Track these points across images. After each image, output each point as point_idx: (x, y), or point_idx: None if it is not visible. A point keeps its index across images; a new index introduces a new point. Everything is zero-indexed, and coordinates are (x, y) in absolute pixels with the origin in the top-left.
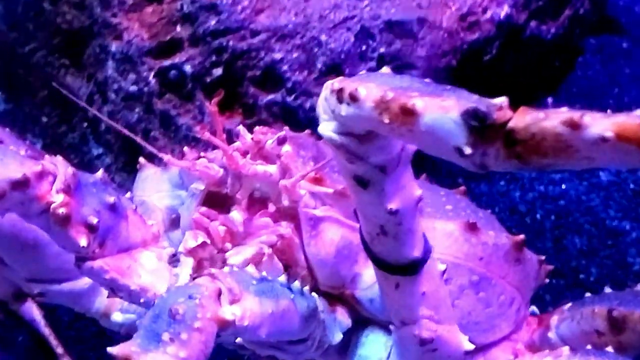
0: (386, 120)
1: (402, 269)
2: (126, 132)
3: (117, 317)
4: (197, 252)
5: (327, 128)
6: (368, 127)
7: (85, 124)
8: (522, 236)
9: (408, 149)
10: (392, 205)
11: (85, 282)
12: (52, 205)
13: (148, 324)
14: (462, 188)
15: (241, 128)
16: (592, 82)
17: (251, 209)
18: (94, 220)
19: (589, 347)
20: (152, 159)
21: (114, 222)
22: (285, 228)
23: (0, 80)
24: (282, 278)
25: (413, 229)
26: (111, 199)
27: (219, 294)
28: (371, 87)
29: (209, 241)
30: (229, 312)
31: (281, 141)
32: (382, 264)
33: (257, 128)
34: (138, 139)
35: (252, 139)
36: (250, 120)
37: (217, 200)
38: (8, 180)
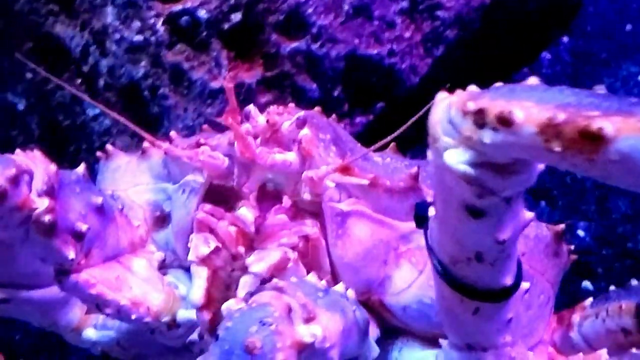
0: (557, 149)
1: (490, 296)
2: (115, 115)
3: (90, 333)
4: (212, 260)
5: (456, 158)
6: (522, 156)
7: (79, 80)
8: (562, 226)
9: (535, 173)
10: (504, 236)
11: (58, 290)
12: (35, 212)
13: None
14: None
15: (252, 108)
16: (603, 19)
17: (262, 205)
18: (83, 227)
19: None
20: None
21: (101, 227)
22: (311, 227)
23: None
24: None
25: (512, 255)
26: (98, 200)
27: (289, 311)
28: (530, 107)
29: (220, 245)
30: (307, 333)
31: (300, 123)
32: (463, 289)
33: (271, 108)
34: (128, 123)
35: (266, 121)
36: (272, 72)
37: (218, 196)
38: None
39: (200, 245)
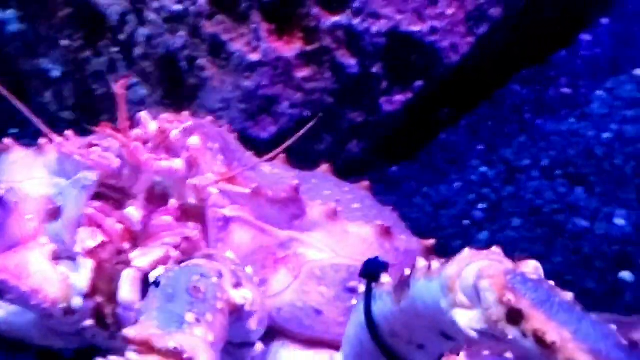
0: None
1: None
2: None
3: None
4: (98, 253)
5: (467, 322)
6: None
7: (115, 49)
8: (432, 241)
9: None
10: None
11: None
12: None
13: (162, 304)
14: (366, 183)
15: (143, 115)
16: None
17: (150, 205)
18: None
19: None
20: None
21: (2, 218)
22: (192, 230)
23: None
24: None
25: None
26: (1, 191)
27: (220, 276)
28: (567, 340)
29: (107, 239)
30: (239, 296)
31: (188, 132)
32: (390, 356)
33: (162, 116)
34: (27, 112)
35: (157, 128)
36: (312, 46)
37: (109, 194)
38: None
39: (87, 239)
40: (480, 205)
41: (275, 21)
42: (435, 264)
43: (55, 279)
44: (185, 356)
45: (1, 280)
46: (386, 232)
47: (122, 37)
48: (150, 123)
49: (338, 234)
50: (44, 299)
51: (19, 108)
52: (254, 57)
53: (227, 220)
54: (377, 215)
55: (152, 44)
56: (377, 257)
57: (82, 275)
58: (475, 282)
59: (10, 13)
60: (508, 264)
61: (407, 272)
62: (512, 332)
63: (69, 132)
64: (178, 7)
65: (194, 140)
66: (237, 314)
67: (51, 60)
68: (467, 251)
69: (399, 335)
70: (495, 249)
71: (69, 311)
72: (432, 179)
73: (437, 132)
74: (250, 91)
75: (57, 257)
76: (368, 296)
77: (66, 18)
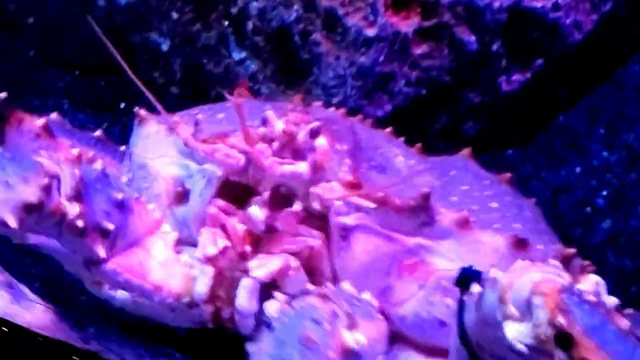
0: None
1: None
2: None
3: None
4: (218, 260)
5: (516, 335)
6: None
7: (226, 22)
8: (573, 250)
9: None
10: None
11: None
12: (68, 218)
13: (275, 351)
14: (507, 176)
15: (270, 114)
16: None
17: (274, 206)
18: (110, 226)
19: None
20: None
21: (123, 220)
22: (316, 239)
23: None
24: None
25: None
26: (119, 196)
27: (335, 317)
28: None
29: (229, 243)
30: (351, 339)
31: (315, 134)
32: None
33: (290, 115)
34: (143, 88)
35: (282, 130)
36: (430, 21)
37: (234, 189)
38: (22, 206)
39: (209, 245)
40: (603, 192)
41: None
42: (499, 273)
43: (178, 271)
44: None
45: (125, 279)
46: (521, 243)
47: (233, 10)
48: (276, 123)
49: (469, 243)
50: (168, 294)
51: (134, 81)
52: (371, 32)
53: (350, 229)
54: (516, 217)
55: (264, 17)
56: (471, 266)
57: (202, 282)
58: (528, 296)
59: None
60: (565, 278)
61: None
62: (559, 356)
63: (176, 117)
64: None
65: (321, 142)
66: (353, 356)
67: (161, 33)
68: (522, 262)
69: (483, 348)
70: (553, 262)
71: (192, 304)
72: (550, 164)
73: (555, 114)
74: (366, 68)
75: (180, 244)
76: (461, 306)
77: None
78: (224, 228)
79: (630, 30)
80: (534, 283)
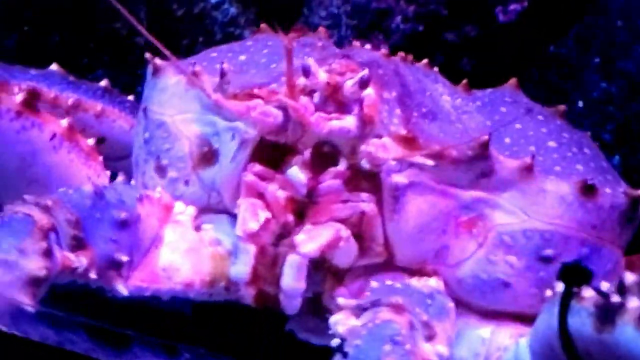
0: None
1: None
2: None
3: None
4: (260, 237)
5: None
6: None
7: None
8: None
9: None
10: None
11: None
12: (78, 272)
13: None
14: (562, 107)
15: (312, 62)
16: None
17: (316, 167)
18: (123, 258)
19: None
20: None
21: (133, 237)
22: (368, 203)
23: None
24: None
25: None
26: (121, 215)
27: (412, 328)
28: None
29: (270, 215)
30: (433, 352)
31: (363, 84)
32: None
33: (334, 64)
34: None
35: (327, 81)
36: None
37: (269, 150)
38: (30, 282)
39: (249, 220)
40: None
41: None
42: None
43: (206, 254)
44: None
45: (153, 290)
46: (589, 189)
47: None
48: (320, 73)
49: (533, 193)
50: (201, 286)
51: (129, 22)
52: None
53: (404, 188)
54: (577, 156)
55: None
56: (579, 263)
57: (242, 262)
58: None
59: None
60: None
61: (615, 298)
62: None
63: (225, 66)
64: None
65: (369, 92)
66: None
67: None
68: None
69: (594, 358)
70: None
71: (230, 287)
72: (549, 97)
73: (547, 46)
74: (362, 4)
75: (201, 214)
76: (565, 304)
77: None
78: (262, 197)
79: None
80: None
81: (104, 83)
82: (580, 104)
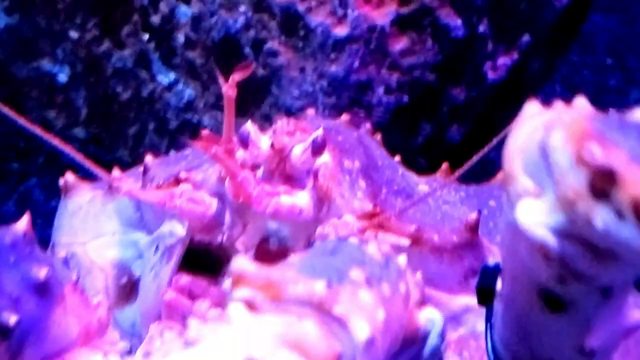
0: None
1: None
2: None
3: None
4: None
5: (534, 217)
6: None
7: (146, 36)
8: None
9: None
10: (593, 343)
11: None
12: None
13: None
14: None
15: (251, 127)
16: None
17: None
18: (11, 319)
19: None
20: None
21: (40, 314)
22: None
23: None
24: None
25: None
26: (40, 274)
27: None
28: None
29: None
30: (423, 317)
31: (318, 148)
32: None
33: (278, 124)
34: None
35: (271, 145)
36: (407, 7)
37: (204, 253)
38: None
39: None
40: None
41: None
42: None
43: None
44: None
45: None
46: None
47: (154, 19)
48: (262, 140)
49: None
50: None
51: (23, 127)
52: (341, 31)
53: None
54: None
55: (200, 26)
56: (494, 265)
57: None
58: (540, 145)
59: None
60: (586, 104)
61: None
62: (598, 214)
63: (148, 159)
64: None
65: (325, 159)
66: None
67: (55, 60)
68: (526, 107)
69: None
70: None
71: None
72: None
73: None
74: (339, 79)
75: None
76: (487, 323)
77: (74, 1)
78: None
79: None
80: (546, 123)
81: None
82: None
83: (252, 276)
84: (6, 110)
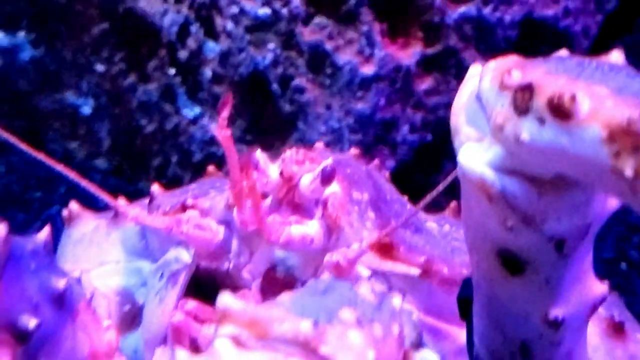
0: (628, 173)
1: None
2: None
3: None
4: None
5: (474, 156)
6: (570, 174)
7: (173, 71)
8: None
9: (606, 210)
10: (557, 311)
11: None
12: None
13: (305, 295)
14: None
15: (260, 155)
16: None
17: (268, 298)
18: (30, 323)
19: None
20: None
21: (56, 325)
22: None
23: (24, 14)
24: None
25: (578, 355)
26: (59, 284)
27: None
28: (602, 97)
29: None
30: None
31: (327, 177)
32: None
33: (287, 153)
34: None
35: (280, 174)
36: (433, 48)
37: (209, 282)
38: None
39: None
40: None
41: (388, 19)
42: None
43: None
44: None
45: None
46: (616, 329)
47: (182, 54)
48: (270, 168)
49: None
50: None
51: (40, 160)
52: (368, 69)
53: None
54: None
55: (229, 62)
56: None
57: None
58: (475, 90)
59: (21, 37)
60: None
61: None
62: (524, 127)
63: (154, 187)
64: (265, 11)
65: (335, 189)
66: None
67: (80, 92)
68: (470, 70)
69: (496, 347)
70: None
71: None
72: None
73: None
74: (365, 116)
75: None
76: (468, 330)
77: (101, 35)
78: (194, 344)
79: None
80: (483, 72)
81: None
82: None
83: (238, 313)
84: (18, 142)
